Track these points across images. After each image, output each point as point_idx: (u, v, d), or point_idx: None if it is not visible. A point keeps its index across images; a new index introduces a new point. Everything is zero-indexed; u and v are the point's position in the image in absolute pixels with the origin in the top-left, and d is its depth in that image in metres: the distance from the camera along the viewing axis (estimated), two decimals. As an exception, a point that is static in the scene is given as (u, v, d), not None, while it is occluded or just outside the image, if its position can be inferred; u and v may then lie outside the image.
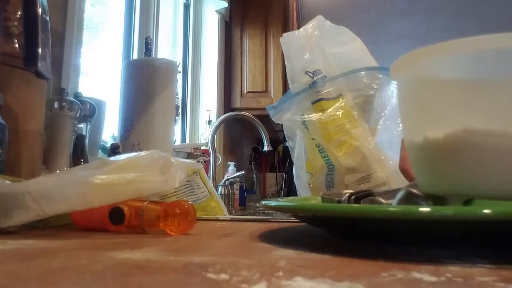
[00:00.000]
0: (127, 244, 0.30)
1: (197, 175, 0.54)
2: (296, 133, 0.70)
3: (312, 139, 0.64)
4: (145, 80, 0.87)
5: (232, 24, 2.29)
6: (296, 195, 0.72)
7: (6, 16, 0.56)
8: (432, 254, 0.25)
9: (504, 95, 0.24)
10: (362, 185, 0.62)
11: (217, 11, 2.14)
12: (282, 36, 0.70)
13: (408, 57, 0.27)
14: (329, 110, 0.62)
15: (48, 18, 0.52)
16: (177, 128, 1.91)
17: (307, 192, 0.67)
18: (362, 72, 0.64)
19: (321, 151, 0.63)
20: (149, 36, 1.01)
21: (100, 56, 1.38)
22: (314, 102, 0.64)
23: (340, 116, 0.61)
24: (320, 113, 0.62)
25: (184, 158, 1.51)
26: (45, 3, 0.52)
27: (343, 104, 0.62)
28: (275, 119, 0.69)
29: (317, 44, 0.67)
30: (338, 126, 0.61)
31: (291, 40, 0.69)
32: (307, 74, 0.66)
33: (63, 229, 0.38)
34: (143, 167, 0.37)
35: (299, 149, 0.70)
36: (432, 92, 0.27)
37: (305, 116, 0.64)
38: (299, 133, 0.68)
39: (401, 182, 0.42)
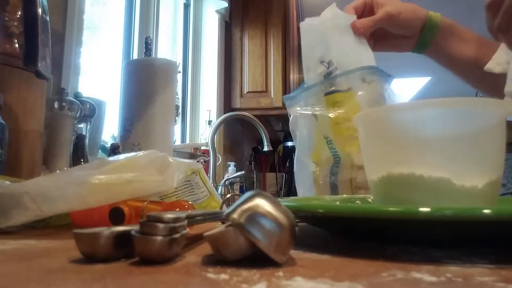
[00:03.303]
0: (127, 244, 0.30)
1: (196, 175, 0.54)
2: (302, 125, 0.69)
3: (321, 130, 0.63)
4: (145, 80, 0.87)
5: (232, 24, 2.29)
6: (296, 195, 0.71)
7: (6, 16, 0.56)
8: (432, 254, 0.25)
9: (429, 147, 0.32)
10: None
11: (217, 11, 2.14)
12: (301, 22, 0.69)
13: (365, 113, 0.37)
14: (341, 108, 0.62)
15: (48, 18, 0.52)
16: (177, 128, 1.91)
17: (308, 180, 0.66)
18: (367, 70, 0.63)
19: (328, 142, 0.63)
20: (149, 36, 1.01)
21: (100, 56, 1.38)
22: (327, 94, 0.64)
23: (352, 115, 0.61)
24: (332, 112, 0.62)
25: (185, 158, 1.51)
26: (45, 3, 0.52)
27: (355, 100, 0.62)
28: (290, 110, 0.68)
29: (332, 34, 0.66)
30: (350, 122, 0.61)
31: (310, 27, 0.68)
32: (322, 63, 0.65)
33: (63, 229, 0.38)
34: (142, 167, 0.37)
35: (302, 136, 0.68)
36: (377, 142, 0.37)
37: (317, 108, 0.63)
38: (306, 121, 0.67)
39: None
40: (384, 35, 0.69)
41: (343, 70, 0.63)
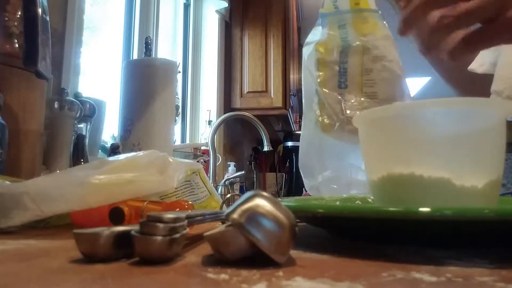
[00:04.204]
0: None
1: (196, 175, 0.54)
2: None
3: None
4: (145, 80, 0.87)
5: (232, 24, 2.29)
6: (296, 195, 0.71)
7: (6, 16, 0.56)
8: (432, 254, 0.25)
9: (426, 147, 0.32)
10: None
11: (217, 11, 2.14)
12: None
13: (365, 113, 0.37)
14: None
15: (48, 18, 0.52)
16: (177, 128, 1.91)
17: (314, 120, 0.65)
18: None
19: (341, 27, 0.62)
20: (149, 36, 1.01)
21: (100, 56, 1.38)
22: None
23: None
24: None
25: (189, 158, 1.51)
26: (45, 3, 0.52)
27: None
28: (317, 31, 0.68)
29: None
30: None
31: None
32: None
33: (63, 229, 0.38)
34: (142, 167, 0.37)
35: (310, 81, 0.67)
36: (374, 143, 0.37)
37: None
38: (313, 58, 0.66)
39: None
40: None
41: None
